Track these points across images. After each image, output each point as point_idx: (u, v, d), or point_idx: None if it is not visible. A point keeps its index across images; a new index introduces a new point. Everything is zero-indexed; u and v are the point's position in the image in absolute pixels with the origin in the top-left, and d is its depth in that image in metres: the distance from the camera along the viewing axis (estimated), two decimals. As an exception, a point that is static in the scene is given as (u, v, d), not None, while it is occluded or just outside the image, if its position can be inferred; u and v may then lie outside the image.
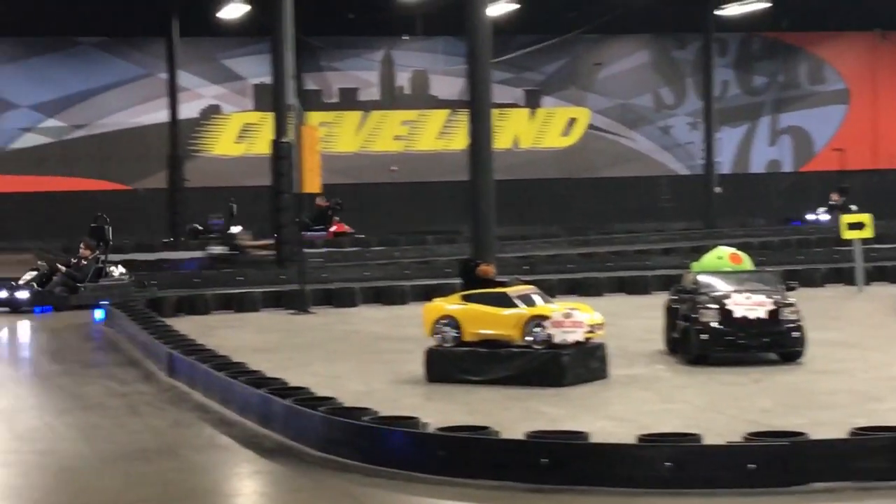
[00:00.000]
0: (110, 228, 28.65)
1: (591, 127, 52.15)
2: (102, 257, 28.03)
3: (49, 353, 20.63)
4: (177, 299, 25.69)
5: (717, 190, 48.03)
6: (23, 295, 26.41)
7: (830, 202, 45.38)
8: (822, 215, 44.77)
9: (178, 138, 45.04)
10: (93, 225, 28.82)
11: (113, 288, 26.93)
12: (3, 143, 47.84)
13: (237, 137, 49.32)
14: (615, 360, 16.87)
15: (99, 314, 24.41)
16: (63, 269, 27.42)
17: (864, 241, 27.15)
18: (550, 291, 23.63)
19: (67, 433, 14.03)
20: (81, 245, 28.05)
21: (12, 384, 17.72)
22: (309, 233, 39.15)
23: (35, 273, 27.32)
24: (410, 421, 12.29)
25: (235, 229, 40.53)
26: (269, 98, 33.86)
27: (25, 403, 16.03)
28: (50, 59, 47.88)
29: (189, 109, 47.58)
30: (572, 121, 52.18)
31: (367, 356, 19.06)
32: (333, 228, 42.72)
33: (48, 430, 14.20)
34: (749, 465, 10.64)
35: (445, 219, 46.46)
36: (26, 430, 14.18)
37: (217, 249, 36.62)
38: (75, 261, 27.69)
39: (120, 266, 28.76)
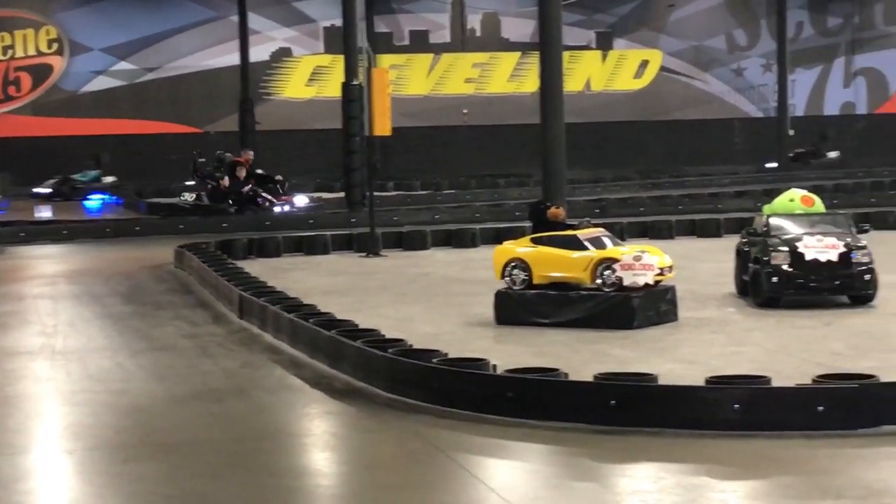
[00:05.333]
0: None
1: (664, 69, 51.72)
2: None
3: (121, 294, 20.85)
4: (247, 241, 25.86)
5: (790, 132, 47.51)
6: None
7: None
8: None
9: (248, 81, 45.19)
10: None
11: None
12: (75, 86, 48.26)
13: (308, 80, 49.43)
14: (685, 303, 16.80)
15: None
16: None
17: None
18: (621, 234, 23.65)
19: (139, 373, 14.20)
20: None
21: (84, 325, 17.96)
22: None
23: None
24: (480, 363, 12.32)
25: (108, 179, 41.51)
26: (339, 41, 33.86)
27: (98, 344, 16.24)
28: (122, 2, 48.15)
29: (260, 52, 47.69)
30: (644, 63, 51.76)
31: (437, 299, 19.10)
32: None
33: (120, 371, 14.38)
34: (818, 408, 10.59)
35: (516, 162, 46.39)
36: (99, 371, 14.36)
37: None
38: None
39: None
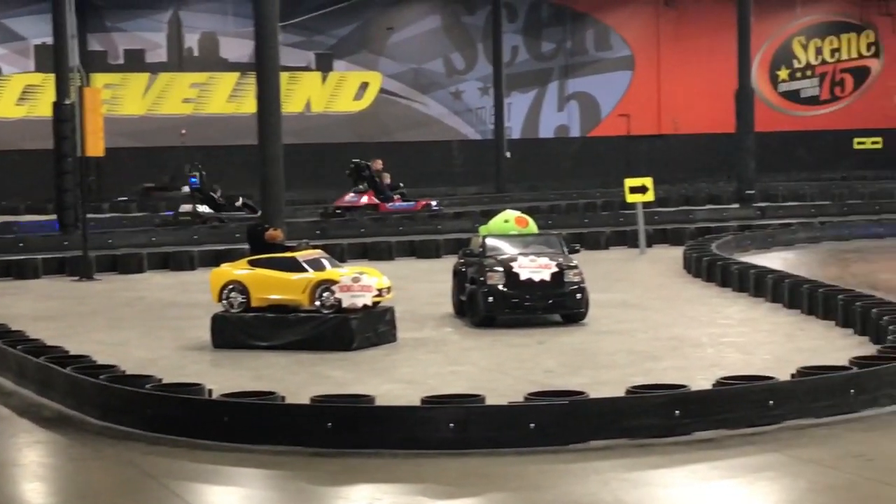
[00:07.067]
0: None
1: (384, 91, 52.15)
2: None
3: None
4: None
5: (507, 154, 48.59)
6: None
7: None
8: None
9: (-46, 100, 43.46)
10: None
11: None
12: None
13: (18, 99, 47.82)
14: (404, 324, 16.95)
15: None
16: None
17: (646, 204, 27.80)
18: (341, 256, 23.72)
19: None
20: None
21: None
22: None
23: None
24: (195, 388, 12.14)
25: None
26: (51, 59, 32.94)
27: None
28: None
29: (-33, 70, 45.96)
30: (364, 85, 52.10)
31: (153, 323, 18.76)
32: None
33: None
34: (530, 425, 10.81)
35: (237, 183, 45.89)
36: None
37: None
38: None
39: None
